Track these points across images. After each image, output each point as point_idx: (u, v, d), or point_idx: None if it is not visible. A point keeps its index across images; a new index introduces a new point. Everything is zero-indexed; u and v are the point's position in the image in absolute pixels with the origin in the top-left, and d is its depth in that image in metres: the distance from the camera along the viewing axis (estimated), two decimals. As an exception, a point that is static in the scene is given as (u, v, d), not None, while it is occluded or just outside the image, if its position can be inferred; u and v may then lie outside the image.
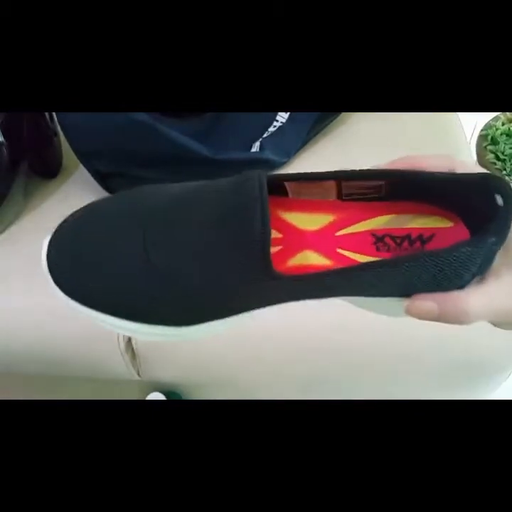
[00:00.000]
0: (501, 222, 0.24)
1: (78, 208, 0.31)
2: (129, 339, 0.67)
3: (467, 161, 0.27)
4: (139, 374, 0.72)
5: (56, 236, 0.29)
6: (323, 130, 0.82)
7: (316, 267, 0.29)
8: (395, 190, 0.28)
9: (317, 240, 0.30)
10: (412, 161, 0.27)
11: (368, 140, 0.80)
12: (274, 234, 0.30)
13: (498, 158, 1.20)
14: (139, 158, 0.66)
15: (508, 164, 1.19)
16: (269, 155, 0.73)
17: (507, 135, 1.22)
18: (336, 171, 0.28)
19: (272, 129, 0.74)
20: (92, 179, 0.71)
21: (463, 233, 0.28)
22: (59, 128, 0.68)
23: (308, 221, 0.30)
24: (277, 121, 0.74)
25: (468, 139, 0.89)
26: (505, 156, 1.20)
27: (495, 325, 0.28)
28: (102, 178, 0.70)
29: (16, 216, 0.73)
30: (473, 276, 0.26)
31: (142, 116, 0.62)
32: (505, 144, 1.21)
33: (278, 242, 0.30)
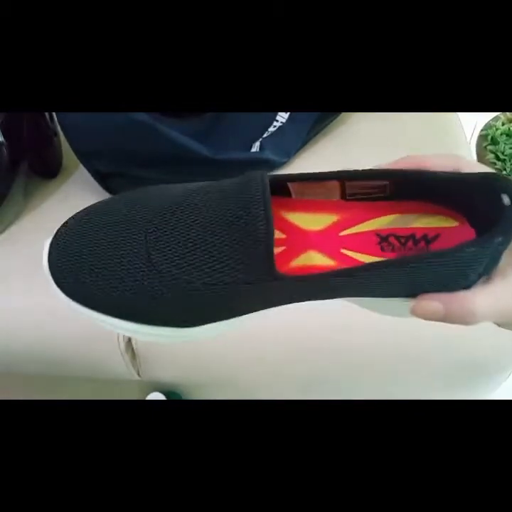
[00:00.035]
0: (508, 221, 0.24)
1: (78, 208, 0.31)
2: (129, 339, 0.67)
3: (472, 161, 0.27)
4: (139, 374, 0.72)
5: (57, 238, 0.29)
6: (323, 130, 0.82)
7: (320, 267, 0.29)
8: (399, 190, 0.28)
9: (321, 241, 0.30)
10: (417, 161, 0.27)
11: (368, 140, 0.80)
12: (278, 234, 0.29)
13: (498, 158, 1.20)
14: (139, 158, 0.66)
15: (508, 164, 1.19)
16: (269, 155, 0.73)
17: (507, 135, 1.22)
18: (339, 171, 0.28)
19: (272, 129, 0.74)
20: (92, 179, 0.71)
21: (468, 233, 0.27)
22: (59, 128, 0.68)
23: (311, 221, 0.30)
24: (277, 121, 0.74)
25: (468, 139, 0.89)
26: (505, 156, 1.20)
27: (499, 325, 0.27)
28: (102, 178, 0.70)
29: (16, 216, 0.73)
30: (480, 276, 0.25)
31: (142, 116, 0.62)
32: (505, 143, 1.21)
33: (281, 242, 0.30)
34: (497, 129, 1.23)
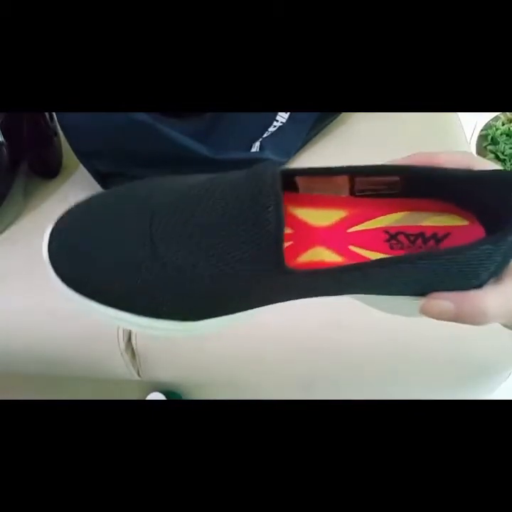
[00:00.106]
0: None
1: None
2: (129, 339, 0.67)
3: (484, 159, 0.27)
4: (139, 374, 0.72)
5: (58, 227, 0.29)
6: (323, 130, 0.82)
7: (328, 263, 0.29)
8: (409, 187, 0.27)
9: (328, 237, 0.29)
10: (428, 157, 0.27)
11: (368, 140, 0.80)
12: (285, 229, 0.29)
13: (498, 158, 1.21)
14: (139, 158, 0.66)
15: (508, 164, 1.19)
16: (269, 155, 0.73)
17: (507, 135, 1.22)
18: (349, 166, 0.27)
19: (272, 129, 0.74)
20: (92, 179, 0.71)
21: (478, 232, 0.27)
22: (59, 128, 0.68)
23: (319, 217, 0.30)
24: (277, 121, 0.74)
25: (468, 139, 0.89)
26: (505, 156, 1.20)
27: (505, 326, 0.27)
28: (102, 178, 0.70)
29: (16, 216, 0.73)
30: (491, 275, 0.25)
31: (142, 116, 0.62)
32: (505, 144, 1.21)
33: (288, 237, 0.29)
34: (497, 129, 1.23)
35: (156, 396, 0.81)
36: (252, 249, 0.25)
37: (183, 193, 0.27)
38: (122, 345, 0.66)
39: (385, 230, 0.29)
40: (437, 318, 0.26)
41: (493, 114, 1.28)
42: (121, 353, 0.66)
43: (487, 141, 1.23)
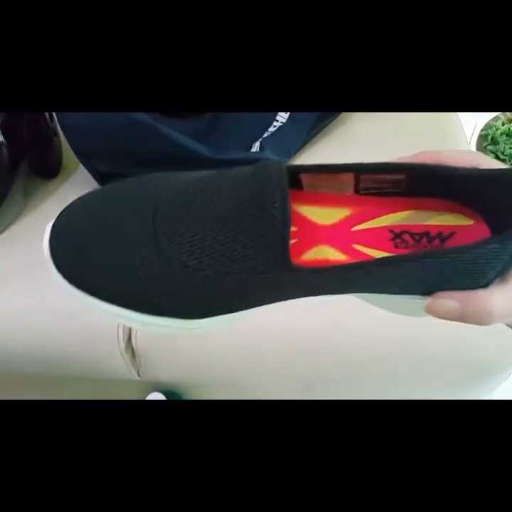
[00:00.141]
0: None
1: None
2: (129, 339, 0.67)
3: (491, 158, 0.27)
4: (139, 374, 0.72)
5: (60, 222, 0.28)
6: (323, 130, 0.82)
7: (332, 262, 0.28)
8: (414, 186, 0.27)
9: (332, 235, 0.29)
10: (435, 155, 0.26)
11: (368, 140, 0.80)
12: None
13: (498, 158, 1.21)
14: (139, 158, 0.66)
15: (508, 164, 1.19)
16: (269, 155, 0.73)
17: (507, 135, 1.22)
18: (355, 163, 0.27)
19: (272, 129, 0.74)
20: (92, 179, 0.71)
21: (484, 232, 0.27)
22: (59, 128, 0.68)
23: (323, 215, 0.29)
24: (277, 121, 0.74)
25: (468, 139, 0.89)
26: (505, 156, 1.20)
27: (510, 326, 0.27)
28: (102, 178, 0.70)
29: (16, 216, 0.73)
30: (497, 275, 0.25)
31: (142, 116, 0.62)
32: (505, 143, 1.21)
33: (292, 235, 0.28)
34: (497, 129, 1.24)
35: (156, 396, 0.81)
36: (257, 245, 0.24)
37: (187, 189, 0.27)
38: (122, 345, 0.66)
39: (390, 229, 0.29)
40: (443, 318, 0.25)
41: (493, 114, 1.28)
42: (121, 353, 0.66)
43: (487, 141, 1.23)
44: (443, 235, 0.28)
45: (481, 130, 1.26)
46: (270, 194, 0.24)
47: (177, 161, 0.66)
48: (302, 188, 0.29)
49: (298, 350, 0.66)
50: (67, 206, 0.29)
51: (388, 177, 0.27)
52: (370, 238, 0.29)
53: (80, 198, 0.30)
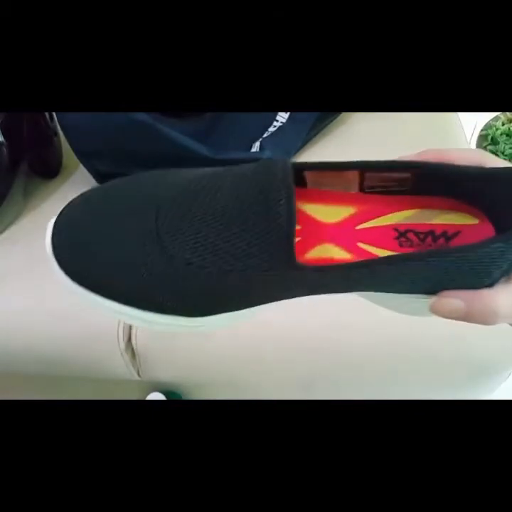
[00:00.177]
0: None
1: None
2: (129, 339, 0.67)
3: (496, 157, 0.27)
4: (139, 374, 0.72)
5: (62, 219, 0.28)
6: (323, 130, 0.82)
7: (336, 260, 0.28)
8: (420, 184, 0.27)
9: (337, 233, 0.29)
10: (440, 154, 0.26)
11: (368, 140, 0.80)
12: None
13: (498, 158, 1.20)
14: (139, 158, 0.66)
15: (508, 164, 1.19)
16: (269, 155, 0.73)
17: (507, 135, 1.22)
18: (360, 161, 0.27)
19: (272, 129, 0.74)
20: (92, 179, 0.71)
21: (489, 231, 0.27)
22: (59, 128, 0.68)
23: (327, 213, 0.29)
24: (277, 121, 0.74)
25: (468, 139, 0.89)
26: (505, 156, 1.20)
27: None
28: (102, 178, 0.71)
29: (16, 216, 0.73)
30: (503, 274, 0.25)
31: (142, 116, 0.62)
32: (505, 143, 1.21)
33: (297, 233, 0.28)
34: (497, 129, 1.24)
35: (156, 396, 0.81)
36: (261, 243, 0.24)
37: (190, 186, 0.27)
38: (122, 345, 0.66)
39: (395, 228, 0.29)
40: (447, 317, 0.25)
41: (493, 114, 1.28)
42: (121, 353, 0.66)
43: (487, 141, 1.23)
44: (448, 234, 0.28)
45: (481, 130, 1.26)
46: (275, 191, 0.24)
47: (177, 161, 0.66)
48: (306, 185, 0.29)
49: (298, 350, 0.66)
50: (69, 203, 0.29)
51: (394, 175, 0.27)
52: (374, 237, 0.29)
53: (81, 195, 0.30)
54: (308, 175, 0.28)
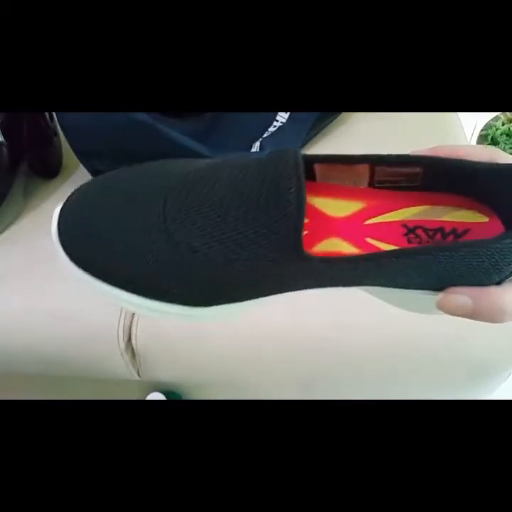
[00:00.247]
0: None
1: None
2: (129, 339, 0.67)
3: (508, 154, 0.26)
4: (139, 374, 0.72)
5: (68, 207, 0.28)
6: (323, 130, 0.82)
7: (343, 254, 0.28)
8: (430, 180, 0.27)
9: (345, 228, 0.29)
10: (452, 150, 0.26)
11: (368, 140, 0.80)
12: None
13: (498, 158, 1.20)
14: (139, 158, 0.66)
15: (508, 164, 1.19)
16: (269, 155, 0.73)
17: (507, 135, 1.22)
18: (371, 154, 0.26)
19: (272, 129, 0.74)
20: (92, 179, 0.71)
21: (498, 229, 0.26)
22: (59, 128, 0.68)
23: (337, 207, 0.29)
24: (277, 121, 0.74)
25: (468, 139, 0.89)
26: (506, 156, 1.20)
27: None
28: (102, 178, 0.70)
29: (16, 216, 0.73)
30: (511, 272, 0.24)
31: (142, 116, 0.62)
32: (505, 143, 1.21)
33: (304, 227, 0.28)
34: (497, 129, 1.23)
35: (156, 396, 0.81)
36: (269, 232, 0.24)
37: (199, 174, 0.27)
38: (122, 345, 0.66)
39: (403, 224, 0.29)
40: (454, 314, 0.25)
41: (493, 114, 1.28)
42: (121, 353, 0.66)
43: (487, 141, 1.23)
44: (457, 232, 0.28)
45: (481, 130, 1.26)
46: (285, 179, 0.24)
47: (177, 161, 0.66)
48: (315, 179, 0.28)
49: (298, 350, 0.66)
50: (75, 190, 0.29)
51: (404, 170, 0.27)
52: (383, 232, 0.28)
53: (88, 182, 0.29)
54: (317, 168, 0.28)
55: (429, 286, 0.26)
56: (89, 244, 0.27)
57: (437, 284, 0.25)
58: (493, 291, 0.24)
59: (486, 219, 0.27)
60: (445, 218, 0.28)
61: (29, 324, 0.67)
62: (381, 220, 0.29)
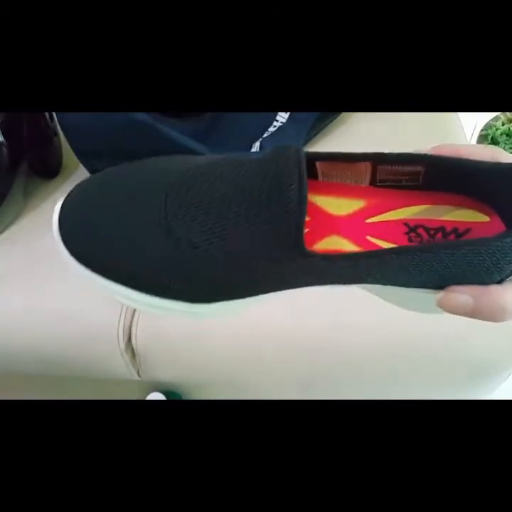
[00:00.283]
0: None
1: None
2: (129, 339, 0.67)
3: (510, 154, 0.26)
4: (139, 374, 0.72)
5: (69, 202, 0.28)
6: (323, 130, 0.82)
7: (344, 252, 0.28)
8: (432, 179, 0.27)
9: (346, 226, 0.29)
10: (455, 149, 0.26)
11: (368, 140, 0.80)
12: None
13: (498, 158, 1.20)
14: (139, 158, 0.66)
15: (508, 164, 1.19)
16: (269, 155, 0.73)
17: (507, 135, 1.22)
18: (373, 153, 0.26)
19: (272, 129, 0.74)
20: (92, 179, 0.71)
21: (499, 229, 0.26)
22: (59, 128, 0.68)
23: (338, 205, 0.29)
24: (277, 121, 0.74)
25: (468, 139, 0.89)
26: (506, 156, 1.20)
27: None
28: (102, 178, 0.70)
29: (16, 216, 0.73)
30: None
31: (142, 116, 0.62)
32: (505, 143, 1.21)
33: (305, 225, 0.28)
34: (497, 129, 1.24)
35: (156, 396, 0.81)
36: (270, 228, 0.24)
37: (198, 170, 0.27)
38: (122, 345, 0.66)
39: (405, 223, 0.29)
40: (454, 313, 0.25)
41: (493, 114, 1.28)
42: (121, 353, 0.66)
43: (487, 141, 1.23)
44: (459, 231, 0.28)
45: (481, 130, 1.26)
46: (287, 176, 0.24)
47: (177, 161, 0.66)
48: (317, 177, 0.28)
49: (298, 350, 0.66)
50: (76, 186, 0.29)
51: (406, 168, 0.27)
52: (384, 231, 0.28)
53: (89, 178, 0.30)
54: (319, 166, 0.28)
55: (429, 285, 0.26)
56: (90, 241, 0.27)
57: (438, 282, 0.25)
58: (494, 289, 0.24)
59: (487, 219, 0.27)
60: (446, 217, 0.28)
61: (29, 324, 0.67)
62: (382, 219, 0.29)
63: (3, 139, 0.64)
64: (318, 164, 0.28)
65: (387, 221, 0.29)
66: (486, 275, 0.24)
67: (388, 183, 0.28)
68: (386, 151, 0.27)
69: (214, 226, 0.25)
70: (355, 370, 0.69)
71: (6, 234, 0.71)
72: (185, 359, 0.69)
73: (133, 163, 0.30)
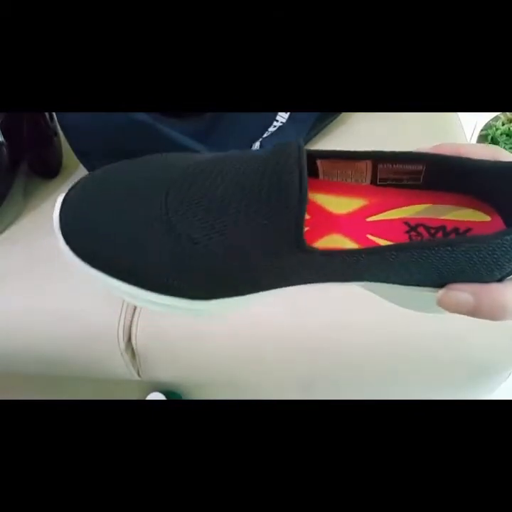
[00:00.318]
0: None
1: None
2: (129, 339, 0.67)
3: (510, 153, 0.26)
4: (139, 374, 0.72)
5: (70, 198, 0.28)
6: (323, 130, 0.82)
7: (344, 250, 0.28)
8: (432, 178, 0.27)
9: (347, 224, 0.29)
10: (455, 148, 0.26)
11: (368, 140, 0.80)
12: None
13: (498, 158, 1.20)
14: (139, 158, 0.66)
15: (508, 164, 1.19)
16: (269, 155, 0.73)
17: (507, 135, 1.22)
18: (374, 151, 0.26)
19: (272, 129, 0.74)
20: (92, 179, 0.71)
21: (500, 228, 0.26)
22: (59, 128, 0.68)
23: (338, 204, 0.29)
24: (277, 121, 0.74)
25: (468, 139, 0.89)
26: (506, 156, 1.20)
27: None
28: (102, 178, 0.70)
29: (16, 216, 0.73)
30: None
31: (142, 116, 0.62)
32: (505, 143, 1.21)
33: (305, 223, 0.28)
34: (497, 129, 1.24)
35: (156, 396, 0.81)
36: (271, 224, 0.24)
37: (199, 167, 0.27)
38: (122, 345, 0.66)
39: (405, 221, 0.29)
40: (455, 311, 0.25)
41: (493, 114, 1.28)
42: (121, 353, 0.66)
43: (487, 141, 1.23)
44: (459, 231, 0.28)
45: (481, 130, 1.26)
46: (287, 173, 0.24)
47: (177, 161, 0.66)
48: (318, 176, 0.29)
49: (298, 350, 0.66)
50: (77, 182, 0.29)
51: (407, 167, 0.27)
52: (384, 229, 0.28)
53: (89, 174, 0.30)
54: (320, 165, 0.28)
55: (429, 282, 0.26)
56: (91, 237, 0.27)
57: (438, 279, 0.25)
58: (494, 287, 0.24)
59: (487, 218, 0.27)
60: (447, 217, 0.28)
61: (29, 324, 0.66)
62: (383, 218, 0.29)
63: (3, 139, 0.64)
64: (319, 162, 0.28)
65: (388, 220, 0.29)
66: (486, 273, 0.24)
67: (389, 182, 0.28)
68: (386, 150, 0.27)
69: (215, 222, 0.25)
70: (355, 370, 0.69)
71: (6, 234, 0.71)
72: (185, 359, 0.69)
73: (133, 160, 0.30)
